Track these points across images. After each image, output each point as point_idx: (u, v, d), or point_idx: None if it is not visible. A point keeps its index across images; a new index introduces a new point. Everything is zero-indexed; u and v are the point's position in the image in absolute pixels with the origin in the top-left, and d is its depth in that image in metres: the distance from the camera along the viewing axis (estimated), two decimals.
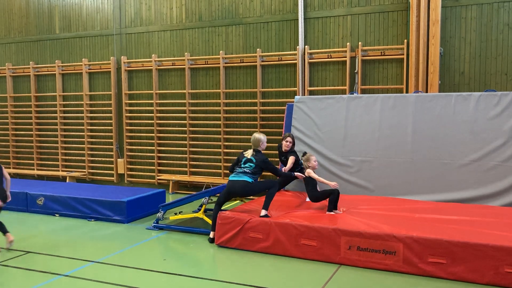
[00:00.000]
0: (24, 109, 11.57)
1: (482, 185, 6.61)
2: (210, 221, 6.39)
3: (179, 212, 7.11)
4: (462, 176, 6.75)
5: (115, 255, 5.85)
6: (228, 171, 6.53)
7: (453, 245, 4.83)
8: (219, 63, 9.41)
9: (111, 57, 10.42)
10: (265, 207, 5.94)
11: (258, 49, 9.06)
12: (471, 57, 7.76)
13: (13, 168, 11.68)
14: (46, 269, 5.29)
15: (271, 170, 6.31)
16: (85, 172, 10.89)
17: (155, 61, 9.98)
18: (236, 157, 6.54)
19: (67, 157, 11.17)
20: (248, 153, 6.26)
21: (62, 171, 11.09)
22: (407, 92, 7.96)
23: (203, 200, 6.58)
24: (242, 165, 6.22)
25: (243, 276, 5.10)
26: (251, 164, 6.19)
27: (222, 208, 6.21)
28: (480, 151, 6.72)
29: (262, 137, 6.32)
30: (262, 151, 6.33)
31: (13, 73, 11.66)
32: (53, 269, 5.29)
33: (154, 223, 7.03)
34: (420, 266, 4.96)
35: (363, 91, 8.33)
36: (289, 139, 7.17)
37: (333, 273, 5.09)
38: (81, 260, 5.62)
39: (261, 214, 5.86)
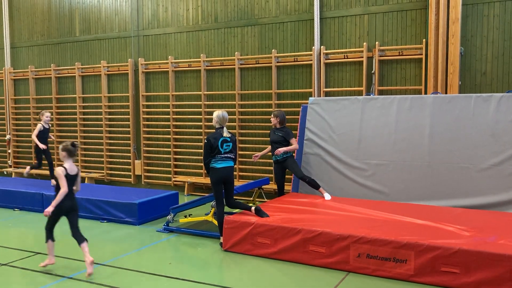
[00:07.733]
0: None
1: (502, 190, 6.29)
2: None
3: (189, 215, 7.05)
4: (482, 181, 6.44)
5: (121, 258, 5.82)
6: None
7: (467, 254, 4.59)
8: (234, 65, 9.32)
9: (129, 59, 10.47)
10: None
11: (273, 50, 8.92)
12: (494, 57, 7.42)
13: None
14: (51, 271, 5.30)
15: (236, 149, 6.19)
16: (103, 173, 10.99)
17: (171, 62, 9.97)
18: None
19: (86, 158, 11.30)
20: (224, 133, 5.97)
21: (82, 171, 11.16)
22: (425, 93, 7.68)
23: (212, 203, 6.49)
24: (222, 149, 5.93)
25: (247, 282, 4.99)
26: (229, 144, 5.99)
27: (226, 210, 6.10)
28: (501, 155, 6.40)
29: (226, 113, 6.13)
30: None
31: (35, 75, 11.88)
32: (58, 271, 5.29)
33: (164, 225, 6.99)
34: (432, 276, 4.74)
35: (380, 92, 8.08)
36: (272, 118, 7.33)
37: (340, 281, 4.92)
38: None
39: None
